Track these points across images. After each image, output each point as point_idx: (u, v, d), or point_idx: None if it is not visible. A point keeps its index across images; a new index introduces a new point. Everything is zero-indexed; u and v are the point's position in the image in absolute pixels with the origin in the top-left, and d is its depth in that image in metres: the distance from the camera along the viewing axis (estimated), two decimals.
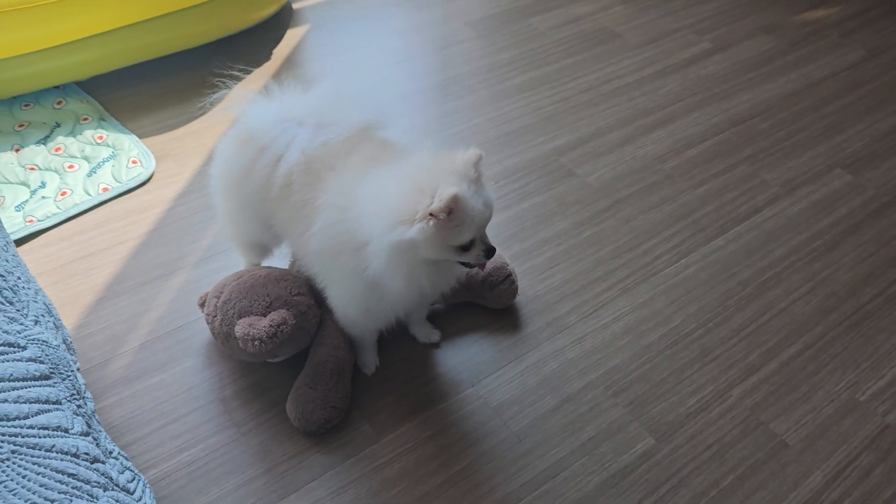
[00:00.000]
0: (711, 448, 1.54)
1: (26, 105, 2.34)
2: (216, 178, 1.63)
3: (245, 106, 1.53)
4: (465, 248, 1.34)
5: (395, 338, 1.69)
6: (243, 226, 1.68)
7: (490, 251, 1.38)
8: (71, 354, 1.32)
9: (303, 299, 1.57)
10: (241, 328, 1.51)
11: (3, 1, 2.09)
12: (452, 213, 1.27)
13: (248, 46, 2.62)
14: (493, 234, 1.96)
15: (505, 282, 1.75)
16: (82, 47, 2.26)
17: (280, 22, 2.80)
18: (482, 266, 1.43)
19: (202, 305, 1.65)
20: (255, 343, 1.49)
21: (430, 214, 1.25)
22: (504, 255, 1.82)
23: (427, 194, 1.26)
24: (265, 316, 1.52)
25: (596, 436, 1.55)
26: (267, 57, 2.60)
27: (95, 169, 2.13)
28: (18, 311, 1.15)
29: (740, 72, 2.64)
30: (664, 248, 1.97)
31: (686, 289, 1.86)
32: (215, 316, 1.58)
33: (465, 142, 2.26)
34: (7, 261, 1.26)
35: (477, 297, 1.77)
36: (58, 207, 2.00)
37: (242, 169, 1.51)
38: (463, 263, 1.41)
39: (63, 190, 2.06)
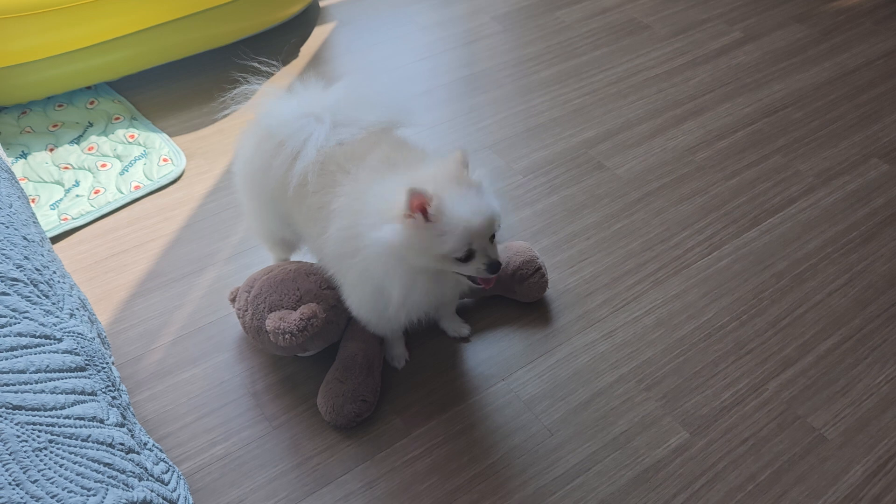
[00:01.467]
0: (747, 442, 1.51)
1: (60, 105, 2.38)
2: (237, 174, 1.64)
3: (265, 101, 1.52)
4: (463, 260, 1.27)
5: (424, 332, 1.68)
6: (266, 222, 1.69)
7: (493, 266, 1.28)
8: (106, 349, 1.33)
9: (333, 293, 1.57)
10: (271, 322, 1.52)
11: (36, 3, 2.13)
12: (430, 216, 1.22)
13: (276, 44, 2.64)
14: (522, 228, 1.96)
15: (535, 275, 1.73)
16: (113, 48, 2.29)
17: (307, 19, 2.81)
18: (486, 283, 1.33)
19: (233, 300, 1.66)
20: (286, 337, 1.50)
21: (407, 216, 1.21)
22: (534, 248, 1.80)
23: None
24: (295, 310, 1.53)
25: (629, 430, 1.54)
26: (294, 54, 2.62)
27: (128, 167, 2.16)
28: (54, 304, 1.16)
29: (772, 61, 2.59)
30: (696, 240, 1.94)
31: (719, 281, 1.83)
32: (246, 310, 1.59)
33: (493, 136, 2.27)
34: (43, 255, 1.28)
35: (507, 291, 1.75)
36: (91, 205, 2.03)
37: (261, 165, 1.50)
38: (469, 277, 1.34)
39: (96, 188, 2.09)
